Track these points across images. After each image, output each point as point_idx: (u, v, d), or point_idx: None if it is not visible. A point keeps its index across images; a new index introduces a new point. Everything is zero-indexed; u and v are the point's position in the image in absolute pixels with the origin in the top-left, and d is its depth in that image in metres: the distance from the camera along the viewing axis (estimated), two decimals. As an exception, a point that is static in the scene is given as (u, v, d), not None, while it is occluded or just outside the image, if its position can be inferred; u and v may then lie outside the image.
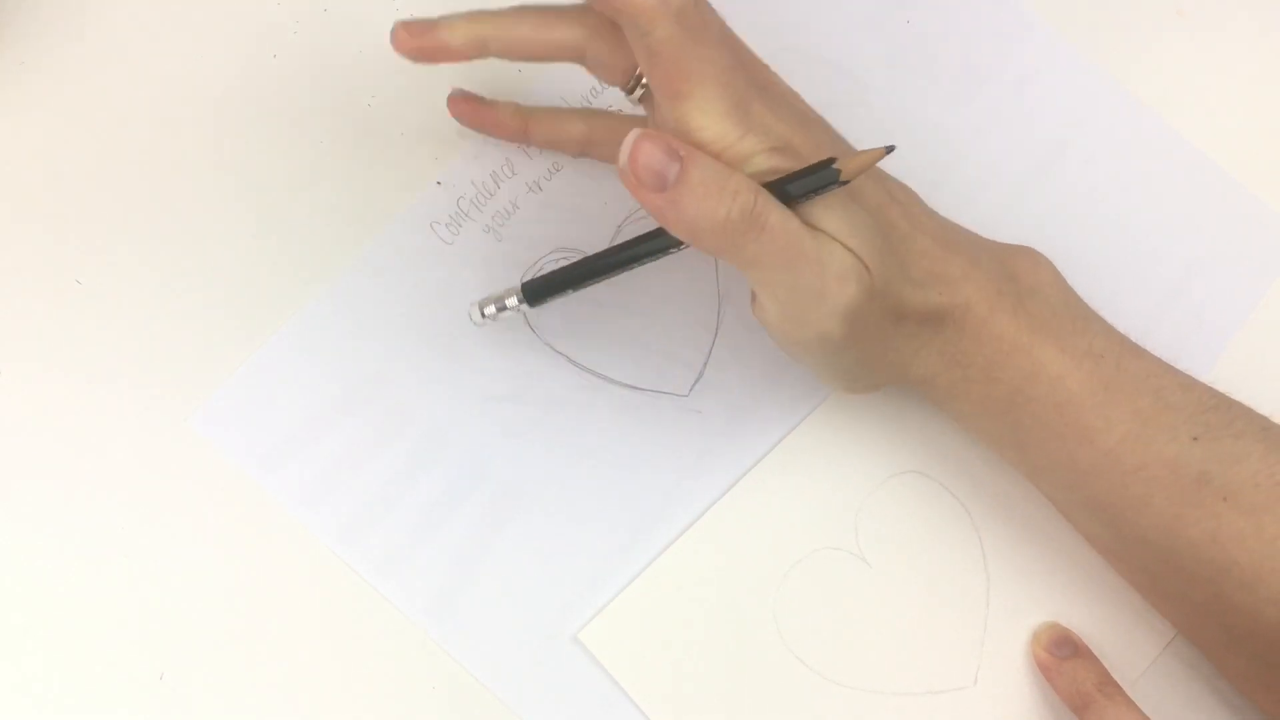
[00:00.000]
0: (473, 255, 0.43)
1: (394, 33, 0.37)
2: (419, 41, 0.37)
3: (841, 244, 0.34)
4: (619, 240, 0.43)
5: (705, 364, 0.43)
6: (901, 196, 0.39)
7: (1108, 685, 0.40)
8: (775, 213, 0.33)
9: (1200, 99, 0.46)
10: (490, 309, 0.39)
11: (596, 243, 0.43)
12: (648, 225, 0.42)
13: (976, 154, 0.45)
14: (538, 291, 0.39)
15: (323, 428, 0.41)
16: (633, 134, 0.33)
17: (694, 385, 0.43)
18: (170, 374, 0.41)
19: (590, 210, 0.43)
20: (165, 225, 0.42)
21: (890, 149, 0.34)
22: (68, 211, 0.42)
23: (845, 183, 0.34)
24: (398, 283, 0.42)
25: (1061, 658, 0.41)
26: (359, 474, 0.41)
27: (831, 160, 0.34)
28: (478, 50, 0.37)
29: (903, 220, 0.37)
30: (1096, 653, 0.41)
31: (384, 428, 0.41)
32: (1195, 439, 0.37)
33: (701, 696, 0.40)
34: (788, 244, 0.33)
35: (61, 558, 0.40)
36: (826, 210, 0.34)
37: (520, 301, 0.39)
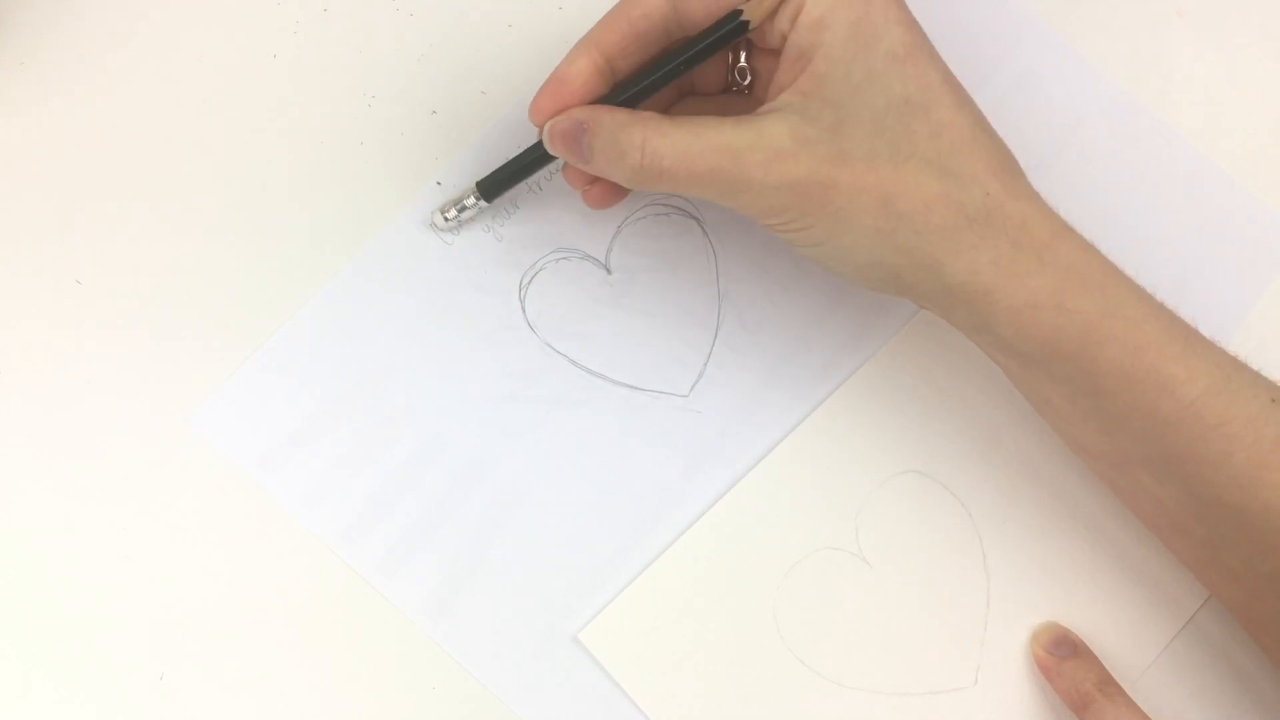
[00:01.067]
0: (473, 255, 0.43)
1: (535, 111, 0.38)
2: (552, 101, 0.37)
3: (769, 127, 0.35)
4: (619, 240, 0.43)
5: (705, 364, 0.43)
6: (938, 90, 0.36)
7: (1108, 685, 0.40)
8: (670, 152, 0.35)
9: (1200, 99, 0.46)
10: (451, 211, 0.41)
11: (597, 243, 0.43)
12: (648, 225, 0.42)
13: (976, 154, 0.45)
14: (493, 186, 0.41)
15: (323, 428, 0.41)
16: (555, 119, 0.37)
17: (694, 385, 0.43)
18: (170, 374, 0.41)
19: (590, 210, 0.43)
20: (165, 225, 0.42)
21: None
22: (68, 211, 0.42)
23: (748, 25, 0.35)
24: (398, 283, 0.42)
25: (1061, 657, 0.41)
26: (359, 474, 0.41)
27: (738, 13, 0.35)
28: (602, 71, 0.37)
29: (925, 94, 0.35)
30: (1096, 653, 0.41)
31: (384, 428, 0.41)
32: (1274, 401, 0.36)
33: (701, 696, 0.40)
34: (690, 170, 0.35)
35: (61, 558, 0.40)
36: (780, 102, 0.35)
37: (477, 199, 0.41)
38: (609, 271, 0.43)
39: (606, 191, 0.40)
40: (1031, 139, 0.46)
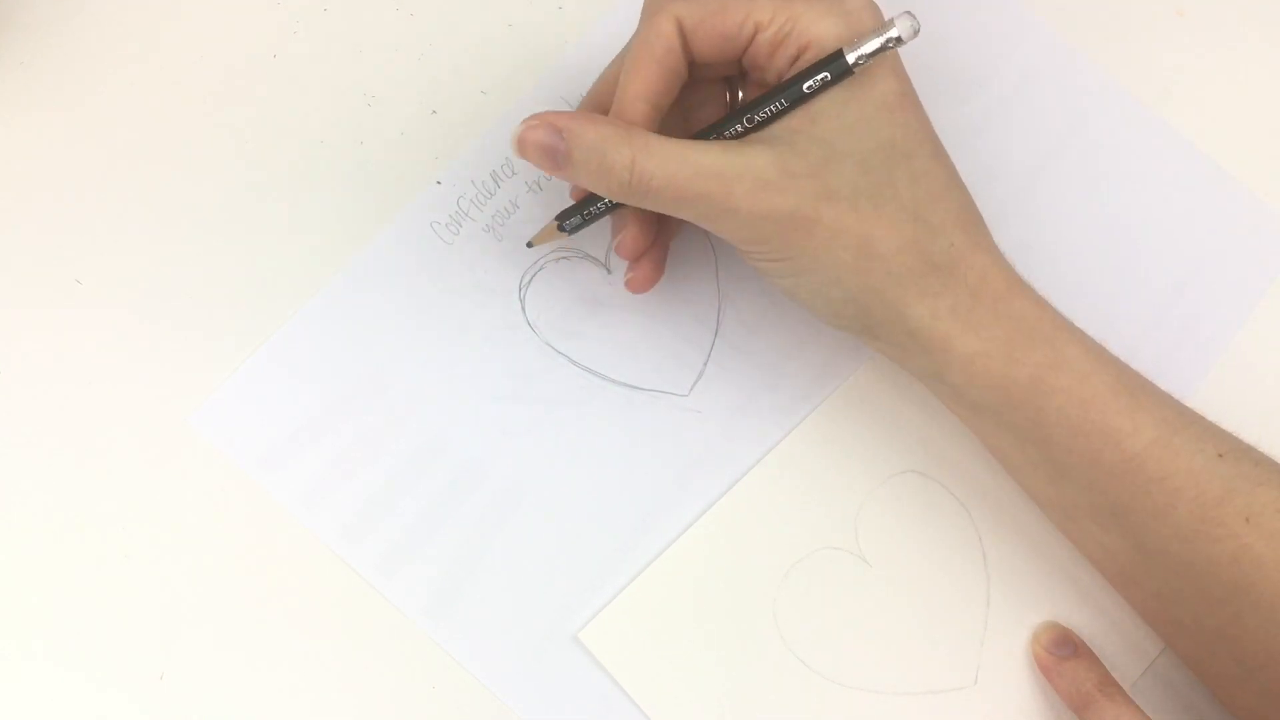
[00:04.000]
0: (473, 255, 0.43)
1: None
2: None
3: (757, 158, 0.35)
4: (619, 240, 0.43)
5: (705, 364, 0.43)
6: (919, 139, 0.37)
7: (1108, 685, 0.40)
8: (659, 173, 0.35)
9: (1200, 99, 0.46)
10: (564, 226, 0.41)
11: (597, 242, 0.43)
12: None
13: (976, 154, 0.45)
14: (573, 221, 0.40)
15: (323, 427, 0.41)
16: (522, 122, 0.36)
17: (694, 385, 0.43)
18: (170, 374, 0.41)
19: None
20: (165, 225, 0.42)
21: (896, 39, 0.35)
22: (68, 211, 0.42)
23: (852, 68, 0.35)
24: (398, 283, 0.42)
25: (1061, 657, 0.41)
26: (359, 474, 0.41)
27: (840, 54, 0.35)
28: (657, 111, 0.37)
29: (909, 141, 0.36)
30: (1096, 653, 0.41)
31: (384, 427, 0.41)
32: (1221, 456, 0.36)
33: (701, 696, 0.40)
34: (678, 194, 0.35)
35: (61, 558, 0.40)
36: (770, 134, 0.36)
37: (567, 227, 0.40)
38: (609, 271, 0.43)
39: (648, 275, 0.40)
40: (1031, 139, 0.46)
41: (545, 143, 0.36)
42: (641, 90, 0.36)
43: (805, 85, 0.35)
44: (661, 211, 0.37)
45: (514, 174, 0.43)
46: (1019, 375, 0.36)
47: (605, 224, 0.43)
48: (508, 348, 0.42)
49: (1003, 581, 0.42)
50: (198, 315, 0.42)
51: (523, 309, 0.43)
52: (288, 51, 0.44)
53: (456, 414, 0.42)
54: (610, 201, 0.39)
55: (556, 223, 0.40)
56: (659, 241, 0.40)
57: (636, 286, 0.41)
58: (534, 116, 0.36)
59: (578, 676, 0.40)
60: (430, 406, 0.42)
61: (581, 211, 0.39)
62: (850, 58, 0.34)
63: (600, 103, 0.39)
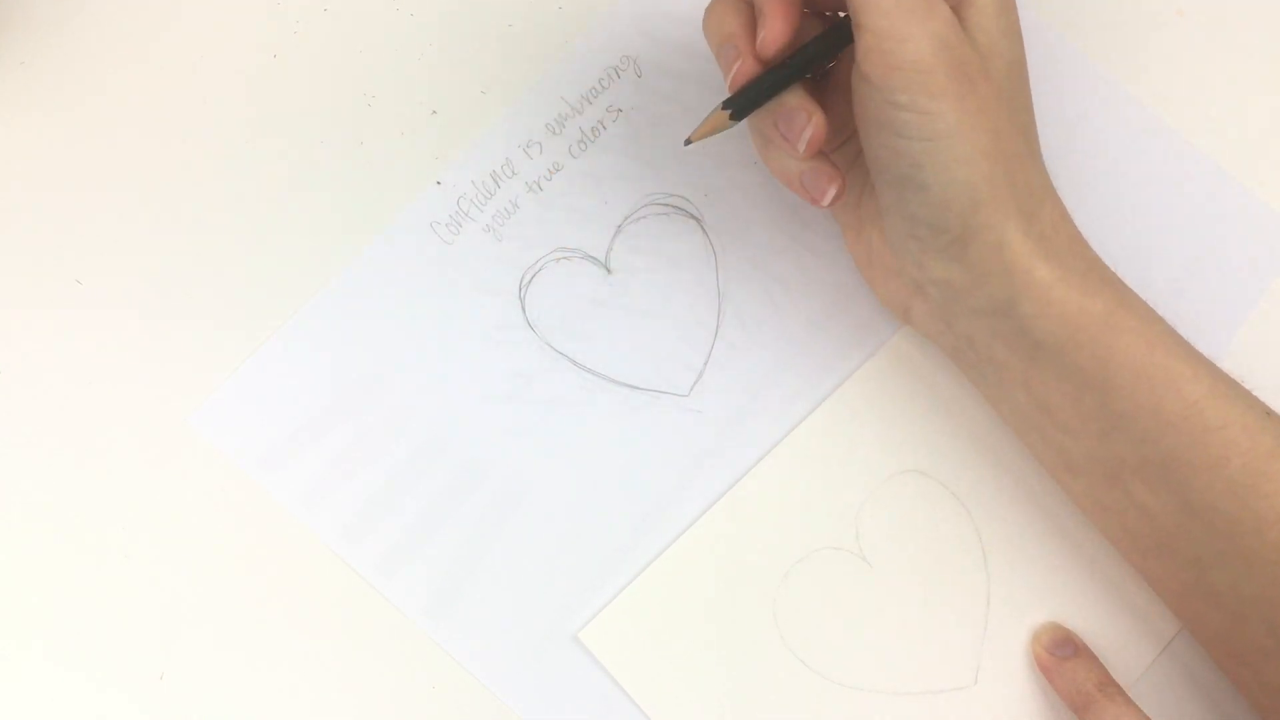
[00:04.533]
0: (473, 255, 0.43)
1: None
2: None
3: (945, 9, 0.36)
4: (619, 240, 0.43)
5: (705, 364, 0.43)
6: (1027, 78, 0.38)
7: (1108, 685, 0.40)
8: None
9: (1200, 99, 0.46)
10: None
11: (597, 243, 0.43)
12: (648, 224, 0.42)
13: (976, 154, 0.45)
14: (744, 105, 0.38)
15: (323, 427, 0.41)
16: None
17: (694, 385, 0.43)
18: (170, 374, 0.41)
19: (590, 210, 0.43)
20: (165, 225, 0.42)
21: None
22: (68, 211, 0.42)
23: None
24: (398, 283, 0.42)
25: (1061, 658, 0.40)
26: (359, 474, 0.41)
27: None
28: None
29: (1024, 75, 0.38)
30: (1096, 653, 0.41)
31: (384, 428, 0.41)
32: (1268, 414, 0.37)
33: (701, 696, 0.40)
34: None
35: (62, 558, 0.40)
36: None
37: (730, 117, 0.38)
38: (609, 271, 0.43)
39: (824, 131, 0.38)
40: (1031, 139, 0.46)
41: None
42: (776, 24, 0.37)
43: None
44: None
45: (514, 174, 0.43)
46: (1094, 307, 0.36)
47: (606, 224, 0.43)
48: (508, 348, 0.42)
49: (1003, 581, 0.42)
50: (198, 315, 0.42)
51: (523, 309, 0.43)
52: (288, 51, 0.44)
53: (456, 414, 0.42)
54: (784, 72, 0.37)
55: (723, 109, 0.38)
56: (841, 144, 0.41)
57: (837, 197, 0.39)
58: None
59: (578, 676, 0.40)
60: (430, 406, 0.42)
61: (752, 91, 0.38)
62: None
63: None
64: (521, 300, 0.43)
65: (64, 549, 0.40)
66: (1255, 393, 0.38)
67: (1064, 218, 0.38)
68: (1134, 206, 0.45)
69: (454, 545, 0.41)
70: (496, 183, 0.43)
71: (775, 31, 0.37)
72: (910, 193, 0.37)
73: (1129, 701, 0.39)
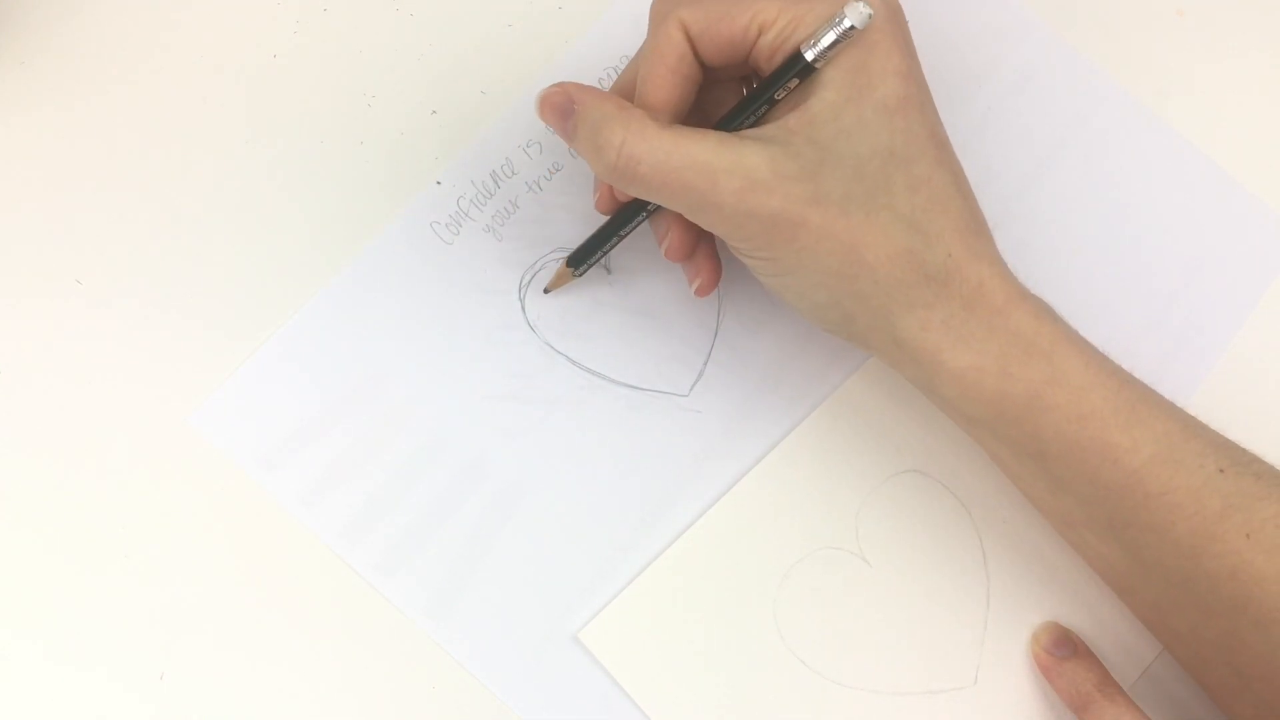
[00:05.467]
0: (473, 255, 0.43)
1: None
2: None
3: (749, 156, 0.35)
4: (666, 245, 0.43)
5: (705, 364, 0.43)
6: (922, 145, 0.36)
7: (1107, 685, 0.40)
8: (646, 159, 0.35)
9: (1200, 99, 0.46)
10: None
11: (596, 243, 0.43)
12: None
13: (976, 154, 0.45)
14: (581, 256, 0.41)
15: (323, 427, 0.41)
16: (548, 86, 0.37)
17: (694, 385, 0.43)
18: (170, 374, 0.41)
19: (590, 210, 0.43)
20: (165, 225, 0.42)
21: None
22: (68, 211, 0.42)
23: (814, 66, 0.35)
24: (398, 283, 0.42)
25: (1061, 658, 0.41)
26: (359, 474, 0.41)
27: (801, 56, 0.35)
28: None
29: (909, 147, 0.35)
30: (1096, 653, 0.41)
31: (384, 427, 0.41)
32: (1221, 471, 0.36)
33: (701, 696, 0.40)
34: (663, 181, 0.35)
35: (62, 557, 0.40)
36: (767, 131, 0.36)
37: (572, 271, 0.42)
38: (609, 271, 0.43)
39: (710, 274, 0.40)
40: (1031, 139, 0.46)
41: (560, 107, 0.37)
42: (658, 98, 0.36)
43: (775, 92, 0.35)
44: (649, 199, 0.37)
45: (514, 174, 0.43)
46: (1013, 391, 0.36)
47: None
48: (508, 348, 0.42)
49: (1003, 581, 0.42)
50: (198, 315, 0.42)
51: (523, 309, 0.43)
52: (288, 51, 0.44)
53: (456, 414, 0.42)
54: (613, 227, 0.40)
55: (567, 266, 0.41)
56: (704, 238, 0.40)
57: (705, 290, 0.40)
58: (558, 84, 0.37)
59: (578, 676, 0.40)
60: (430, 406, 0.42)
61: (590, 250, 0.41)
62: (809, 55, 0.34)
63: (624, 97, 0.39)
64: (521, 300, 0.43)
65: (64, 548, 0.40)
66: (1254, 392, 0.38)
67: (986, 283, 0.36)
68: (1134, 206, 0.45)
69: (454, 545, 0.41)
70: (496, 183, 0.43)
71: (676, 243, 0.39)
72: (789, 304, 0.39)
73: (1128, 701, 0.39)
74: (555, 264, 0.43)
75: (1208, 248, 0.45)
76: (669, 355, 0.43)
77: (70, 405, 0.41)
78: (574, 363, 0.42)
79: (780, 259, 0.36)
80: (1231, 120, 0.46)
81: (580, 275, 0.42)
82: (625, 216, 0.39)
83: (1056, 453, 0.36)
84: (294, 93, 0.44)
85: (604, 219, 0.41)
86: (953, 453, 0.42)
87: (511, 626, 0.41)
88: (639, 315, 0.43)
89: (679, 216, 0.38)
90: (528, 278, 0.43)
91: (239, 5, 0.44)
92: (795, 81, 0.35)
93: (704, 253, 0.40)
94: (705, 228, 0.37)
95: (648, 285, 0.43)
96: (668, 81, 0.36)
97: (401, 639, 0.40)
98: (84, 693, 0.39)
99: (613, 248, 0.41)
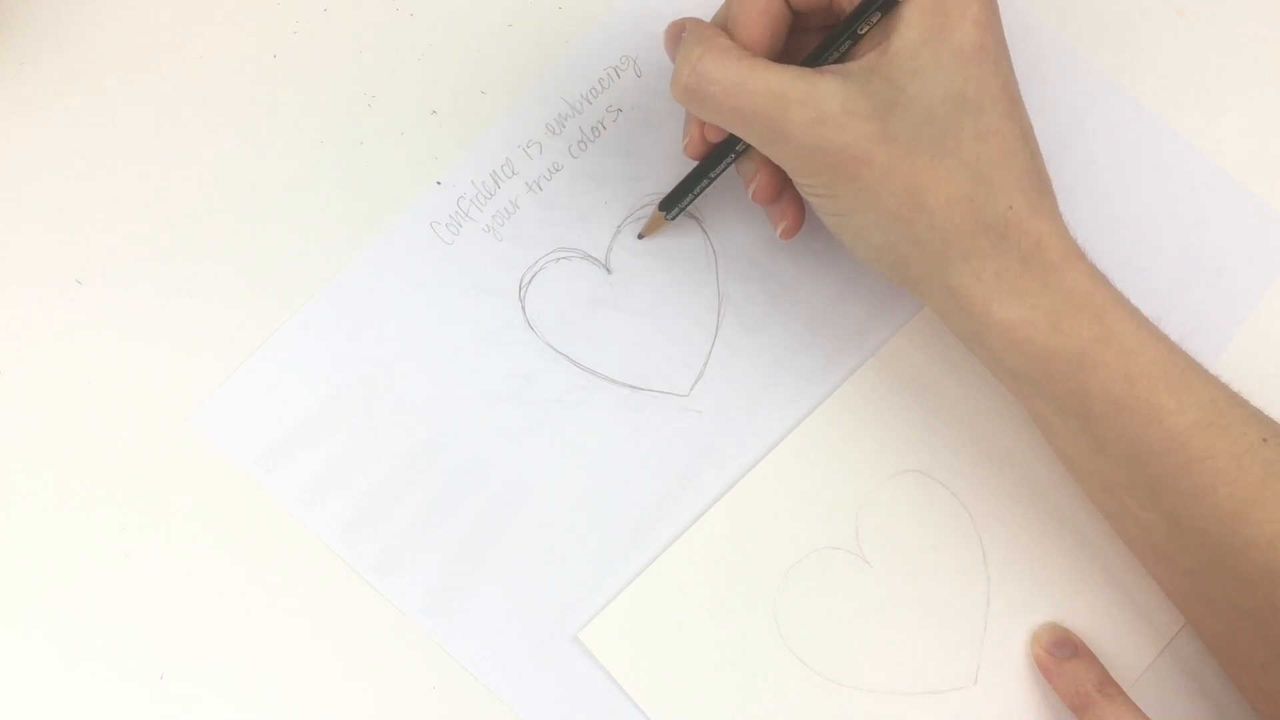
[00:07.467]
0: (473, 255, 0.43)
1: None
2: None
3: (824, 89, 0.35)
4: (619, 240, 0.43)
5: (705, 364, 0.43)
6: (993, 95, 0.36)
7: (1107, 685, 0.40)
8: (719, 79, 0.35)
9: (1200, 99, 0.46)
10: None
11: (597, 242, 0.43)
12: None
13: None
14: (672, 201, 0.42)
15: (323, 427, 0.41)
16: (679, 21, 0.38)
17: (694, 385, 0.43)
18: (170, 374, 0.41)
19: (590, 210, 0.43)
20: (165, 225, 0.42)
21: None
22: (68, 211, 0.42)
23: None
24: (398, 283, 0.42)
25: (1061, 658, 0.40)
26: (359, 473, 0.41)
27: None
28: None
29: (981, 96, 0.35)
30: (1096, 653, 0.41)
31: (384, 427, 0.41)
32: (1264, 440, 0.36)
33: (701, 696, 0.40)
34: (734, 104, 0.35)
35: (62, 557, 0.40)
36: (845, 67, 0.36)
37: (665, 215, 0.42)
38: (609, 271, 0.43)
39: (795, 217, 0.40)
40: (1031, 139, 0.46)
41: (672, 33, 0.38)
42: (749, 38, 0.37)
43: (858, 26, 0.36)
44: (719, 123, 0.37)
45: (514, 174, 0.43)
46: (1062, 347, 0.36)
47: (606, 224, 0.43)
48: (508, 348, 0.42)
49: (1003, 581, 0.42)
50: (197, 315, 0.42)
51: (523, 309, 0.43)
52: (288, 51, 0.44)
53: (456, 414, 0.42)
54: (703, 169, 0.40)
55: (660, 211, 0.42)
56: (791, 181, 0.40)
57: (789, 232, 0.41)
58: (683, 17, 0.38)
59: (578, 676, 0.40)
60: (430, 406, 0.42)
61: (681, 193, 0.41)
62: None
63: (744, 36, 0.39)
64: (521, 300, 0.43)
65: (64, 548, 0.40)
66: (1254, 391, 0.38)
67: (1045, 238, 0.36)
68: (1134, 206, 0.45)
69: (454, 545, 0.41)
70: (496, 183, 0.43)
71: (764, 185, 0.39)
72: (846, 244, 0.38)
73: (1128, 702, 0.39)
74: (555, 263, 0.43)
75: (1208, 248, 0.45)
76: (669, 355, 0.43)
77: (70, 405, 0.41)
78: (574, 363, 0.42)
79: (842, 196, 0.36)
80: (1231, 120, 0.46)
81: (672, 220, 0.42)
82: (714, 159, 0.40)
83: (1101, 411, 0.36)
84: (294, 93, 0.44)
85: (600, 214, 0.41)
86: (953, 453, 0.42)
87: (511, 626, 0.41)
88: (639, 315, 0.43)
89: (767, 160, 0.38)
90: (528, 278, 0.43)
91: (239, 5, 0.44)
92: (878, 16, 0.35)
93: (790, 195, 0.40)
94: (773, 159, 0.37)
95: (648, 285, 0.43)
96: (758, 22, 0.37)
97: (401, 639, 0.40)
98: (84, 693, 0.39)
99: (703, 190, 0.41)
